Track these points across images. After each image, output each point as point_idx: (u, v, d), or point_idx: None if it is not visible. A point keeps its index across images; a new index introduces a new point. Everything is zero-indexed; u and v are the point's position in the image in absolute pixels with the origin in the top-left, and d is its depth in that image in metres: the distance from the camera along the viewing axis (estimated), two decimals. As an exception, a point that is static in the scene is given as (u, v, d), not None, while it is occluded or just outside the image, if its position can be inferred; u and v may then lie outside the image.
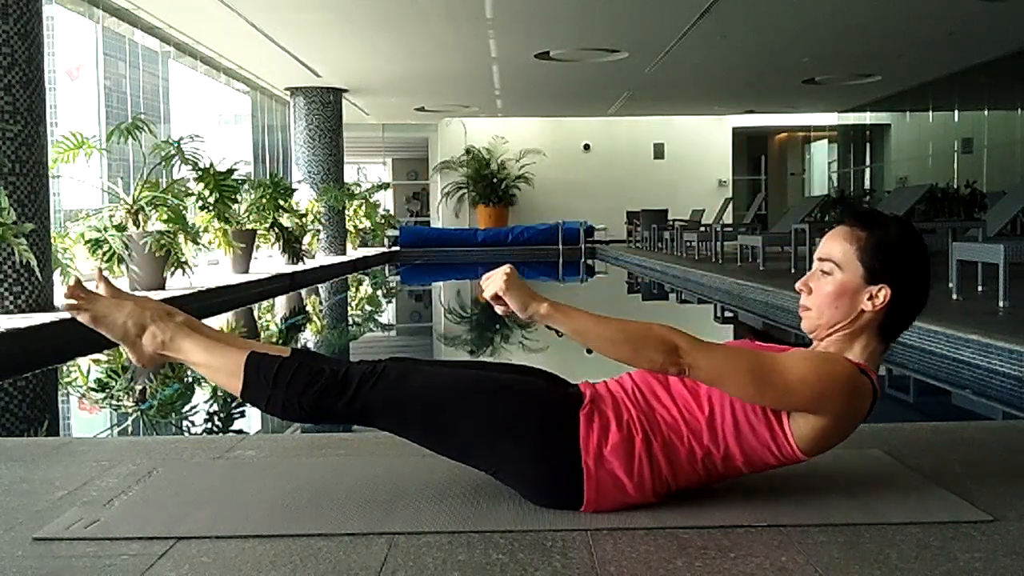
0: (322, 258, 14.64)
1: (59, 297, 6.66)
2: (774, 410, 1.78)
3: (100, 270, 2.02)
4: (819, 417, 1.76)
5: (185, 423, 4.05)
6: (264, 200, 11.76)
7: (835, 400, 1.75)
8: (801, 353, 1.81)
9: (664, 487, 1.84)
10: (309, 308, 9.63)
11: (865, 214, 1.87)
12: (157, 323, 1.95)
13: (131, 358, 1.99)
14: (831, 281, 1.83)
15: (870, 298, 1.81)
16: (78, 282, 1.98)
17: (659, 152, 22.08)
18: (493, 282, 1.77)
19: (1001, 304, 5.37)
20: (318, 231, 14.68)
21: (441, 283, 14.09)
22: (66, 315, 5.89)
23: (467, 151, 21.42)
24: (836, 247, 1.84)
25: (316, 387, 1.86)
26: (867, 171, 19.25)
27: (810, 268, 1.91)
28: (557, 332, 1.78)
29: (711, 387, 1.80)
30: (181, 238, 8.24)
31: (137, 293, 7.30)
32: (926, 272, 1.86)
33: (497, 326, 7.88)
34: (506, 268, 1.78)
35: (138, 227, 8.13)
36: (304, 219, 13.51)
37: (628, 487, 1.80)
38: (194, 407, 4.47)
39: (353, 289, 12.15)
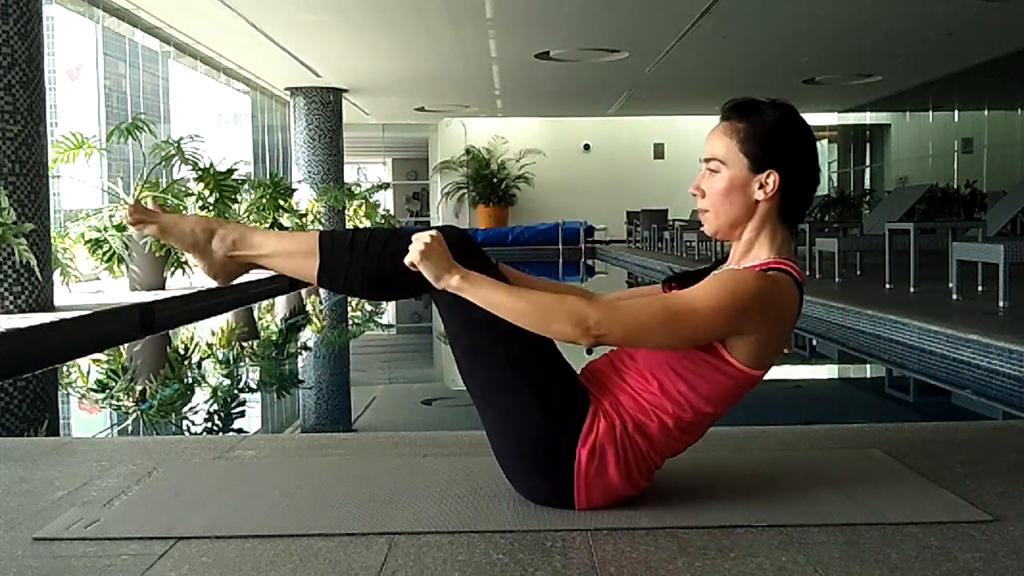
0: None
1: (59, 297, 6.66)
2: (707, 348, 1.76)
3: (153, 198, 2.05)
4: (749, 334, 1.75)
5: (185, 423, 4.05)
6: (264, 200, 11.75)
7: (754, 312, 1.73)
8: (708, 282, 1.78)
9: (649, 466, 1.83)
10: (309, 308, 9.63)
11: (740, 104, 1.86)
12: (223, 226, 1.96)
13: (203, 268, 1.99)
14: (720, 179, 1.84)
15: (760, 186, 1.81)
16: (138, 201, 2.00)
17: (659, 152, 22.08)
18: (412, 251, 1.76)
19: (1001, 304, 5.37)
20: (318, 231, 14.68)
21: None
22: (66, 315, 5.91)
23: (467, 151, 21.42)
24: (718, 144, 1.84)
25: (392, 247, 1.83)
26: (867, 171, 19.25)
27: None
28: None
29: (643, 355, 1.80)
30: (181, 238, 8.23)
31: (137, 292, 7.23)
32: (811, 149, 1.85)
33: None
34: (426, 237, 1.76)
35: (138, 227, 8.12)
36: (304, 219, 13.51)
37: (618, 475, 1.79)
38: (194, 407, 4.47)
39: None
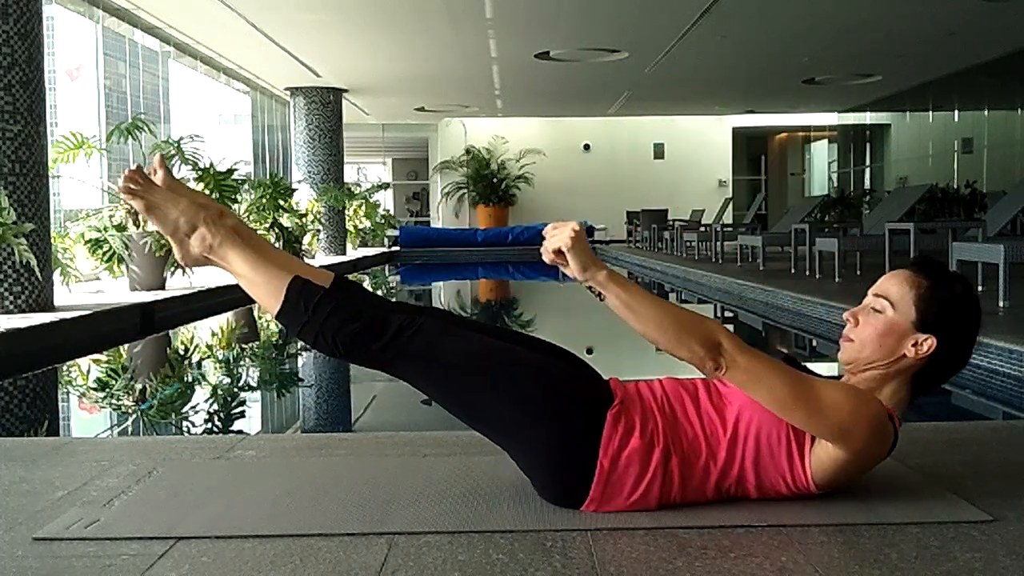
0: (322, 258, 14.64)
1: (59, 297, 6.66)
2: (796, 439, 1.78)
3: (162, 156, 2.02)
4: (840, 450, 1.76)
5: (185, 423, 4.05)
6: (264, 200, 11.75)
7: (860, 435, 1.74)
8: (836, 382, 1.82)
9: (668, 501, 1.83)
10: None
11: (933, 264, 1.87)
12: (209, 225, 1.95)
13: (176, 253, 1.99)
14: (882, 319, 1.83)
15: (915, 344, 1.80)
16: (139, 167, 1.97)
17: (659, 152, 22.08)
18: (559, 237, 1.73)
19: (1001, 304, 5.37)
20: (318, 231, 14.68)
21: (441, 283, 14.09)
22: (66, 315, 5.91)
23: (467, 151, 21.42)
24: (895, 287, 1.84)
25: (353, 327, 1.85)
26: (867, 171, 19.25)
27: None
28: (600, 296, 1.76)
29: (740, 408, 1.81)
30: (181, 238, 8.22)
31: (137, 292, 7.18)
32: (974, 335, 1.86)
33: (497, 325, 7.87)
34: (575, 225, 1.74)
35: (138, 227, 8.13)
36: (304, 219, 13.50)
37: (634, 495, 1.80)
38: (194, 407, 4.47)
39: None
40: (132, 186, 1.93)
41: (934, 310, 1.80)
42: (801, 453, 1.79)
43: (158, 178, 1.97)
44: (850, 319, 1.89)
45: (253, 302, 8.69)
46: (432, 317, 1.93)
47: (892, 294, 1.84)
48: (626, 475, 1.79)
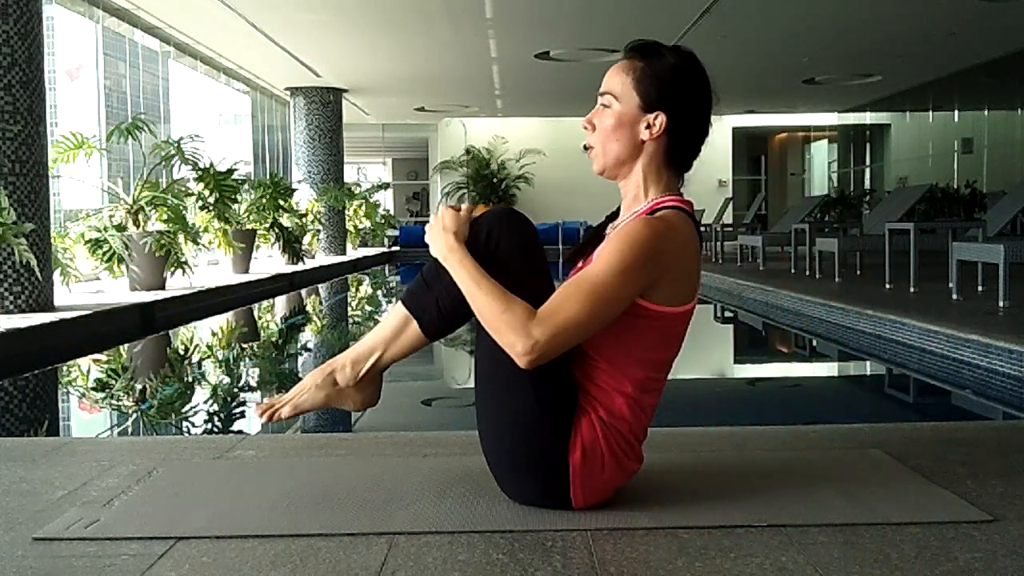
0: (322, 258, 14.65)
1: (59, 297, 6.66)
2: (633, 309, 1.75)
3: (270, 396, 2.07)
4: (661, 278, 1.75)
5: (185, 423, 4.05)
6: (264, 200, 11.76)
7: (655, 258, 1.73)
8: (605, 248, 1.77)
9: (634, 446, 1.83)
10: (309, 308, 9.63)
11: (644, 45, 1.86)
12: (334, 364, 1.98)
13: (349, 408, 2.01)
14: (610, 113, 1.85)
15: (647, 127, 1.82)
16: (260, 404, 2.01)
17: (659, 152, 22.06)
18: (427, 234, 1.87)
19: (1001, 304, 5.37)
20: (318, 231, 14.69)
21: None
22: (66, 315, 5.91)
23: (467, 151, 21.43)
24: (615, 79, 1.85)
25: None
26: (867, 171, 19.25)
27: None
28: None
29: (584, 344, 1.78)
30: (181, 238, 8.25)
31: (137, 292, 7.22)
32: (704, 98, 1.85)
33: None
34: (433, 220, 1.86)
35: (138, 227, 8.13)
36: (304, 219, 13.51)
37: (608, 469, 1.79)
38: (194, 407, 4.47)
39: (353, 289, 12.15)
40: (270, 409, 1.98)
41: (654, 87, 1.81)
42: (646, 309, 1.76)
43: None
44: (586, 126, 1.90)
45: (252, 301, 8.68)
46: None
47: (614, 87, 1.84)
48: (594, 457, 1.78)
